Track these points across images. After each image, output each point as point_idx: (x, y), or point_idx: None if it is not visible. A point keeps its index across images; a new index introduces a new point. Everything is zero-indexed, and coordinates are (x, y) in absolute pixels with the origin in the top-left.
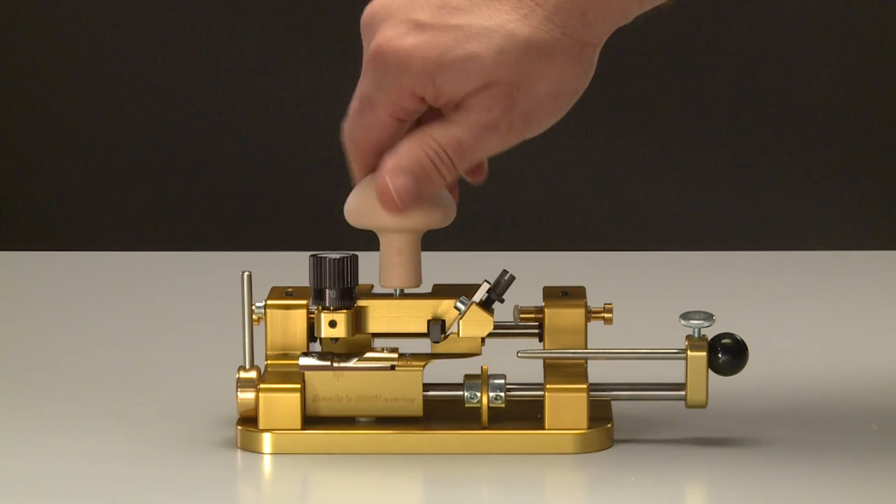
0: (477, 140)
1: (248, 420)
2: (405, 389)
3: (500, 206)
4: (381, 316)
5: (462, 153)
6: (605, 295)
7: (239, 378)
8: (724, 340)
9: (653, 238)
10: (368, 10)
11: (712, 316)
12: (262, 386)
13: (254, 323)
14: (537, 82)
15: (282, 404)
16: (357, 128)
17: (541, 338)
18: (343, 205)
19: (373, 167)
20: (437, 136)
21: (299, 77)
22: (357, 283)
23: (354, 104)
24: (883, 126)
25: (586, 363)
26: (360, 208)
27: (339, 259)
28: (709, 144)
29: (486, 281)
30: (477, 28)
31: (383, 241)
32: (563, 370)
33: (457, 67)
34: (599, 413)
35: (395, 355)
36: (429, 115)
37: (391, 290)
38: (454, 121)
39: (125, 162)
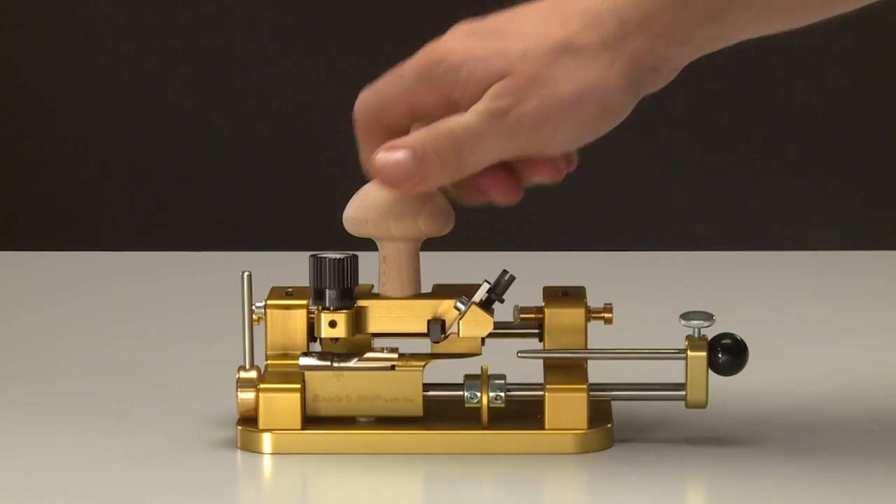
0: (482, 128)
1: (248, 420)
2: (405, 389)
3: (500, 207)
4: (381, 316)
5: (466, 140)
6: (605, 295)
7: (239, 378)
8: (724, 340)
9: (653, 238)
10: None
11: (712, 316)
12: (262, 386)
13: (254, 323)
14: (557, 82)
15: (282, 404)
16: (371, 90)
17: (541, 338)
18: (343, 204)
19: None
20: (446, 122)
21: (300, 77)
22: (357, 283)
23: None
24: (883, 126)
25: (586, 363)
26: (358, 217)
27: (339, 259)
28: (709, 144)
29: (486, 281)
30: (514, 31)
31: (382, 249)
32: (563, 370)
33: (484, 60)
34: (599, 413)
35: (395, 355)
36: None
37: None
38: (467, 110)
39: (125, 162)
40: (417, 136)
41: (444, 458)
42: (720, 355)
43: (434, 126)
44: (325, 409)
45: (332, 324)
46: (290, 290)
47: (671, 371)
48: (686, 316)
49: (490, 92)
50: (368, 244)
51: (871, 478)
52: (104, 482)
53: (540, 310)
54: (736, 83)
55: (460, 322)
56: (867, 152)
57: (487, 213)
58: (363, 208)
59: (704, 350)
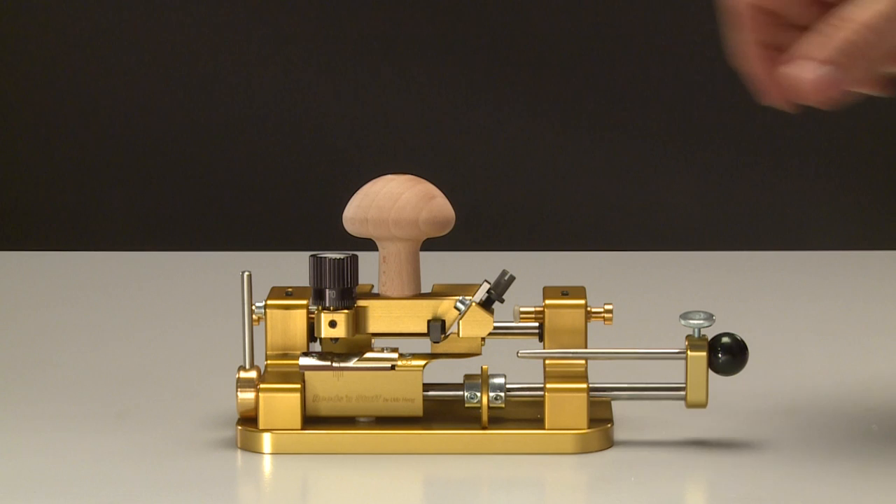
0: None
1: (248, 420)
2: (405, 389)
3: (500, 206)
4: (381, 316)
5: (881, 30)
6: (605, 295)
7: (239, 378)
8: (724, 340)
9: (653, 238)
10: None
11: (712, 316)
12: (262, 386)
13: (254, 323)
14: None
15: (282, 404)
16: None
17: (541, 338)
18: (343, 204)
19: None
20: (847, 17)
21: (300, 77)
22: (357, 283)
23: None
24: (883, 126)
25: (586, 363)
26: (358, 217)
27: (339, 259)
28: (708, 144)
29: (486, 281)
30: None
31: (382, 249)
32: (563, 370)
33: None
34: (599, 413)
35: (395, 355)
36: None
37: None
38: None
39: (125, 162)
40: (827, 42)
41: (444, 458)
42: (720, 355)
43: (838, 26)
44: (325, 409)
45: (332, 324)
46: (290, 290)
47: (671, 371)
48: (686, 316)
49: None
50: (368, 244)
51: (871, 478)
52: (104, 482)
53: (540, 310)
54: (735, 83)
55: (460, 322)
56: (867, 152)
57: (487, 213)
58: (363, 208)
59: (704, 350)
